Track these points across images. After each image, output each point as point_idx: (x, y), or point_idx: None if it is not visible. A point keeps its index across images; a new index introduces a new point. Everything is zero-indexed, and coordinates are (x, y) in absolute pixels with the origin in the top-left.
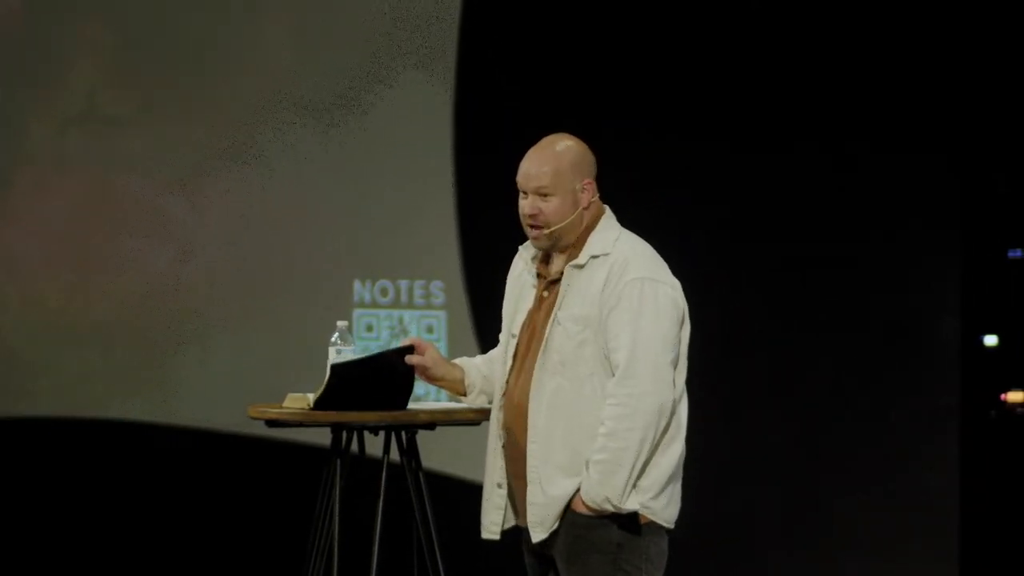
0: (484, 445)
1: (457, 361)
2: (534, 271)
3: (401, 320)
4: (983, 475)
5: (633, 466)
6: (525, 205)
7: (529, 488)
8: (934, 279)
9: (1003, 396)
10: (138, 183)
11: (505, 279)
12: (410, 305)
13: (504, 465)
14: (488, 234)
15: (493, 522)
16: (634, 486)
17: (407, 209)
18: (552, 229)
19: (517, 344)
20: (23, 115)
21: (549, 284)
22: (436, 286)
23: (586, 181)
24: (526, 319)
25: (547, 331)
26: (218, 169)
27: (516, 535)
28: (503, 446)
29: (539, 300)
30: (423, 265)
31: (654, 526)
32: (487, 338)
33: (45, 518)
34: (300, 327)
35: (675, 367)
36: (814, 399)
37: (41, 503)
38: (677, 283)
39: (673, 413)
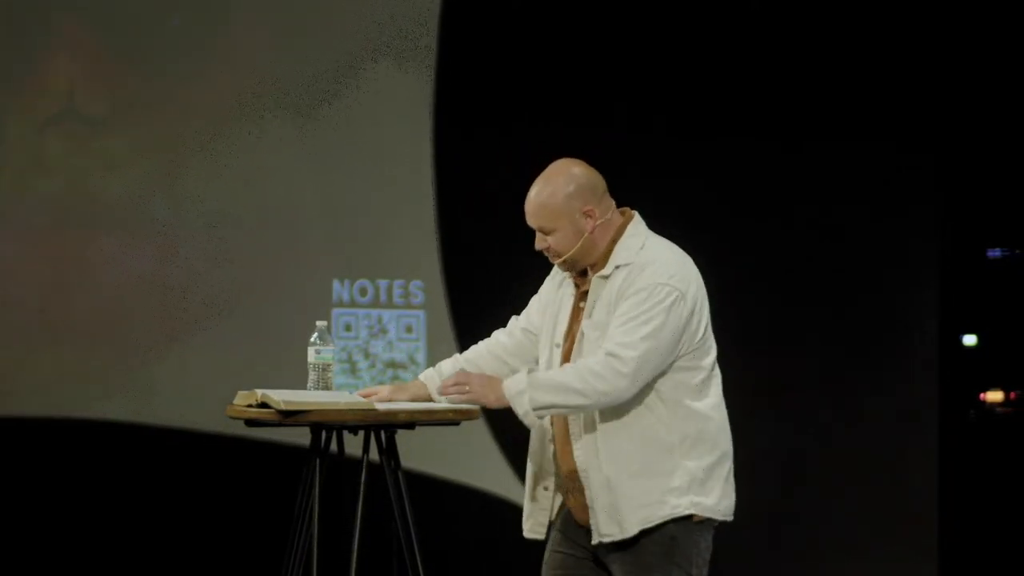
0: (463, 444)
1: (421, 377)
2: (572, 282)
3: (380, 320)
4: (962, 474)
5: (552, 405)
6: (536, 240)
7: (587, 494)
8: (913, 279)
9: (982, 395)
10: (117, 182)
11: (484, 278)
12: (389, 304)
13: (555, 470)
14: (468, 234)
15: (539, 523)
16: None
17: (386, 208)
18: (564, 258)
19: (562, 354)
20: (1, 115)
21: (583, 295)
22: (415, 286)
23: (585, 209)
24: (567, 329)
25: (578, 341)
26: (197, 168)
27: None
28: (553, 452)
29: (576, 310)
30: (402, 264)
31: (705, 521)
32: (466, 337)
33: (23, 518)
34: (279, 327)
35: (654, 373)
36: (794, 399)
37: (20, 503)
38: (692, 287)
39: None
